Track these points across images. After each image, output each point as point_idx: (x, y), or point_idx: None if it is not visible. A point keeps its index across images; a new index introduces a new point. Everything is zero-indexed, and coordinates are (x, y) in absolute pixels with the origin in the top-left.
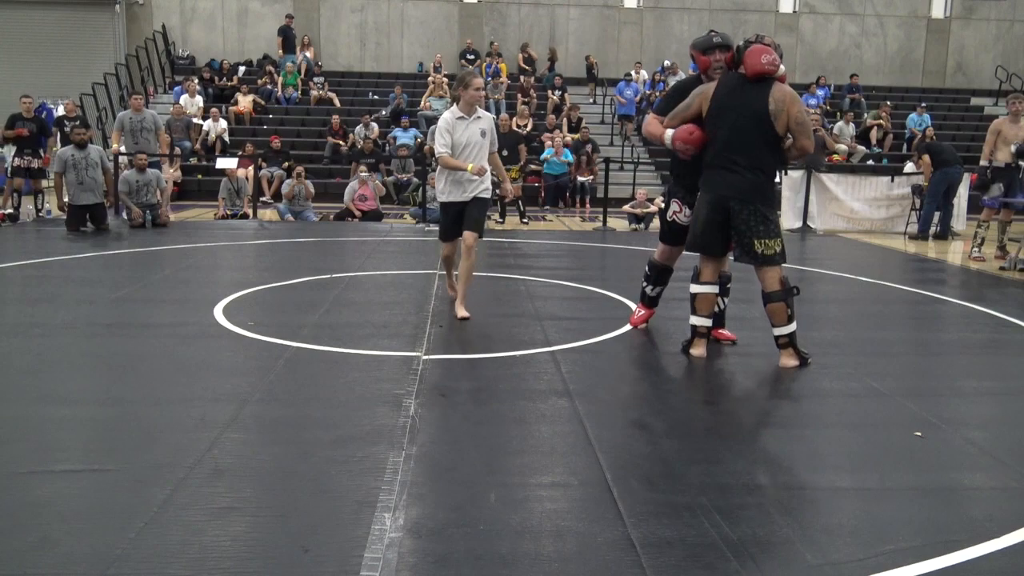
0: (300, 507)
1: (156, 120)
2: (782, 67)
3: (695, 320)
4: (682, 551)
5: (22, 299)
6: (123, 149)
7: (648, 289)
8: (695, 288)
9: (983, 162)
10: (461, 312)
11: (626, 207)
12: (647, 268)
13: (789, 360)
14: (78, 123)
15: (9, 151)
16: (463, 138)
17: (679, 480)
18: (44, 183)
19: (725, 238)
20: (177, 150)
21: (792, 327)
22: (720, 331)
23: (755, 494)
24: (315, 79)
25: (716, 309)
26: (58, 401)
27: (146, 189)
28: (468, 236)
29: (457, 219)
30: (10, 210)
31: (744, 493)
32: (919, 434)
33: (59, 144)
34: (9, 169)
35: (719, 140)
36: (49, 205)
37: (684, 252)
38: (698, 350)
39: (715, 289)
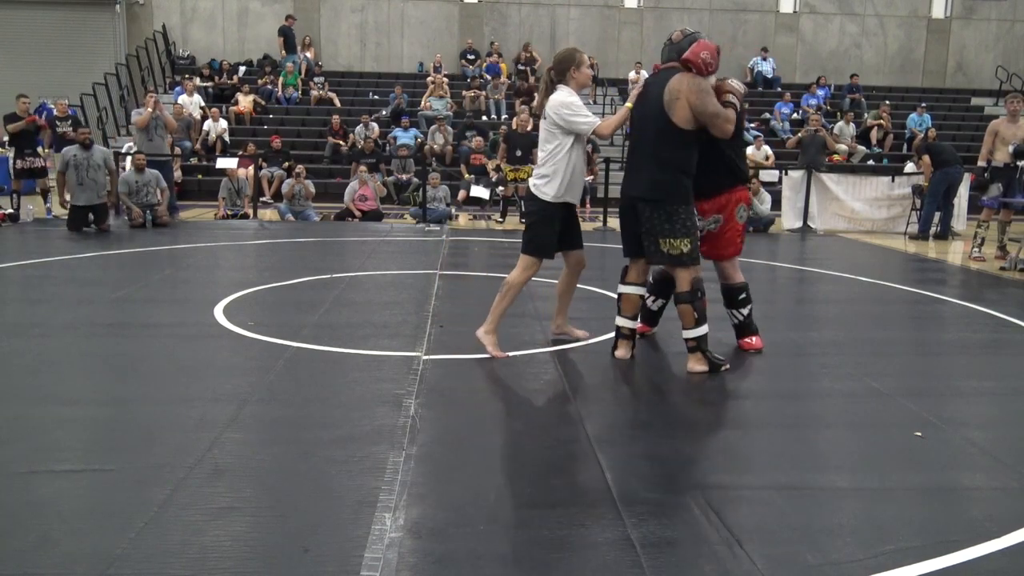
0: (300, 507)
1: (166, 118)
2: (712, 79)
3: (618, 320)
4: (682, 551)
5: (23, 299)
6: (134, 147)
7: (648, 300)
8: (620, 288)
9: (981, 162)
10: (578, 331)
11: None
12: (648, 277)
13: (696, 365)
14: (70, 123)
15: (9, 151)
16: None
17: (679, 480)
18: (51, 182)
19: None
20: (177, 150)
21: (700, 331)
22: (745, 341)
23: (755, 494)
24: (315, 79)
25: (736, 320)
26: (59, 401)
27: (145, 189)
28: (584, 256)
29: (561, 226)
30: (11, 210)
31: (744, 493)
32: (919, 434)
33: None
34: (11, 171)
35: (631, 140)
36: (50, 205)
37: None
38: (620, 351)
39: (641, 291)
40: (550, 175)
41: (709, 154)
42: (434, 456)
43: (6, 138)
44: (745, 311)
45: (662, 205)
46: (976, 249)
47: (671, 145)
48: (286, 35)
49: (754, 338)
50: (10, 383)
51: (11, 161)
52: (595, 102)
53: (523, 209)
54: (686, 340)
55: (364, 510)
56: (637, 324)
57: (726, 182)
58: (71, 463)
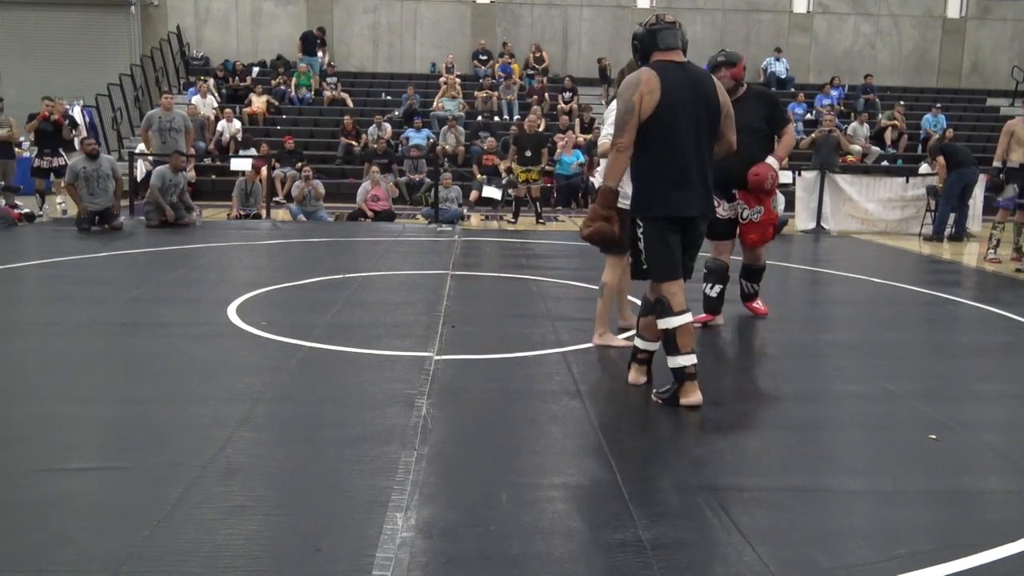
0: (312, 506)
1: (186, 121)
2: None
3: (683, 360)
4: (693, 553)
5: (38, 298)
6: (151, 149)
7: (707, 288)
8: (671, 322)
9: (996, 163)
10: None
11: None
12: (706, 269)
13: (641, 376)
14: (67, 123)
15: (32, 151)
16: None
17: (690, 482)
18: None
19: None
20: (191, 150)
21: (656, 346)
22: (753, 304)
23: (767, 496)
24: (327, 80)
25: (747, 290)
26: (73, 400)
27: (174, 189)
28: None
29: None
30: (27, 209)
31: (756, 495)
32: (934, 437)
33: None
34: (31, 169)
35: (677, 143)
36: (64, 204)
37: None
38: (693, 396)
39: (691, 316)
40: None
41: (763, 152)
42: (445, 456)
43: (21, 139)
44: (758, 286)
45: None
46: (991, 250)
47: (712, 152)
48: (307, 40)
49: (759, 302)
50: (25, 381)
51: (33, 160)
52: (605, 103)
53: (536, 210)
54: (640, 351)
55: (376, 510)
56: (694, 358)
57: None
58: (85, 461)
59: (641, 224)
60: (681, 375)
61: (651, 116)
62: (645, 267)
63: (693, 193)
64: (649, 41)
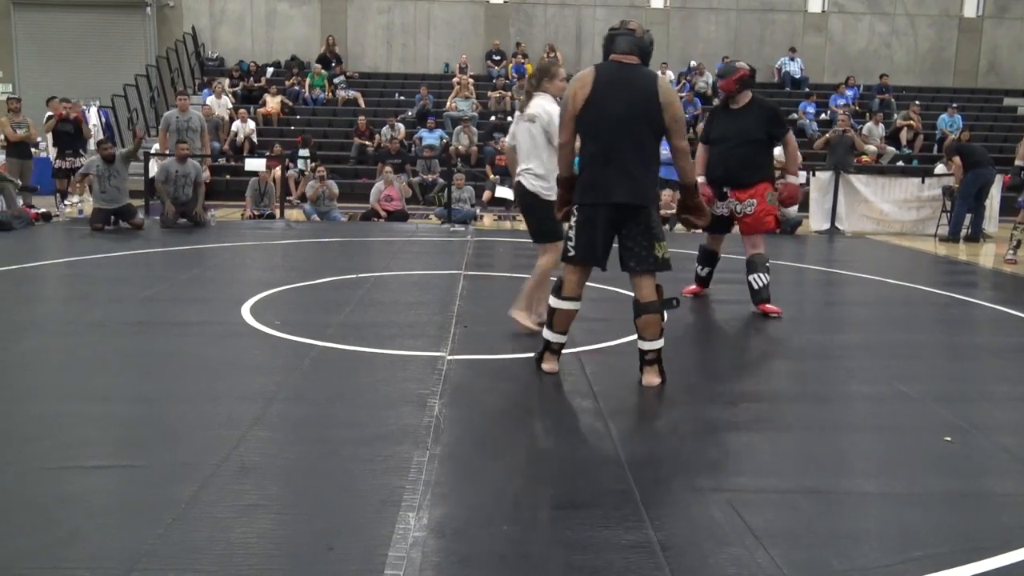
0: (325, 505)
1: (202, 121)
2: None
3: (549, 335)
4: (706, 554)
5: (53, 297)
6: (167, 150)
7: (698, 269)
8: (556, 303)
9: (1019, 161)
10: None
11: None
12: (699, 251)
13: (654, 378)
14: (71, 128)
15: (52, 152)
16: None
17: (704, 482)
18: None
19: (611, 246)
20: (207, 150)
21: (661, 343)
22: (766, 306)
23: (781, 497)
24: (335, 79)
25: (758, 285)
26: (88, 398)
27: (184, 181)
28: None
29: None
30: (44, 209)
31: (769, 496)
32: (949, 439)
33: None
34: (52, 171)
35: (605, 134)
36: (81, 204)
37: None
38: (549, 364)
39: (577, 306)
40: (545, 174)
41: (763, 153)
42: (458, 456)
43: (39, 139)
44: (768, 277)
45: (651, 209)
46: (1011, 251)
47: (655, 145)
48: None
49: (770, 305)
50: (40, 380)
51: (53, 161)
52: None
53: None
54: (646, 352)
55: (388, 509)
56: (565, 338)
57: (762, 175)
58: (100, 459)
59: (576, 212)
60: (547, 345)
61: (583, 108)
62: (571, 253)
63: (616, 180)
64: (608, 44)
